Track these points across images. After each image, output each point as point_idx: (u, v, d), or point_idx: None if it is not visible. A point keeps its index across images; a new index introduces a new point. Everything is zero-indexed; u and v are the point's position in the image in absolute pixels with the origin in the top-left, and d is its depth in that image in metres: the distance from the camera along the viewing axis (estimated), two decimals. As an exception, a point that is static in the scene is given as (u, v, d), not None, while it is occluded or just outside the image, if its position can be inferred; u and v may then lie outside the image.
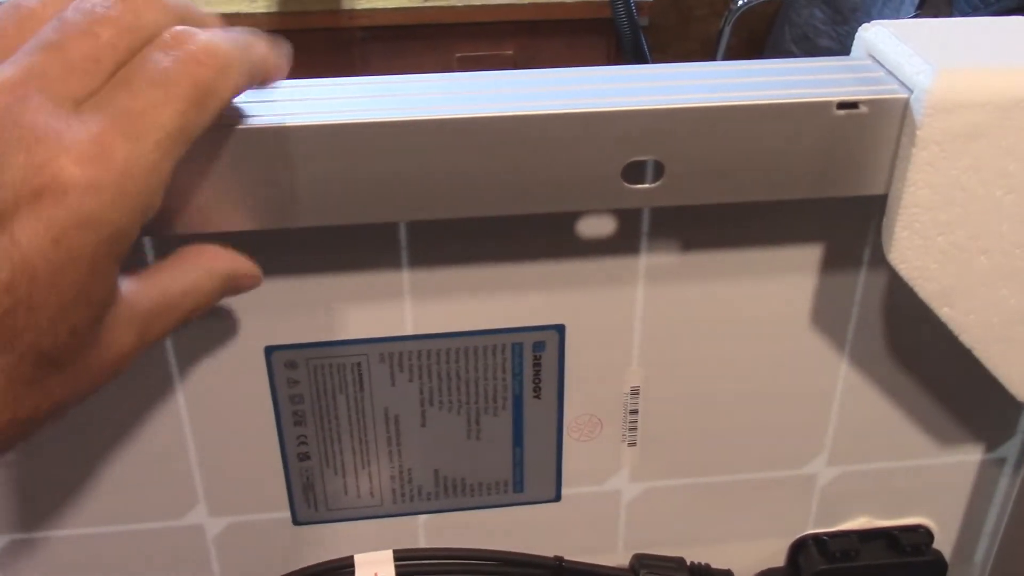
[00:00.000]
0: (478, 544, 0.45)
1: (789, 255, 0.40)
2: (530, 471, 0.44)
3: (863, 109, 0.34)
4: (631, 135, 0.33)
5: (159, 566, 0.44)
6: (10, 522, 0.42)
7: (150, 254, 0.36)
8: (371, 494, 0.43)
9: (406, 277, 0.38)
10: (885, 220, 0.36)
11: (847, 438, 0.45)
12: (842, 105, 0.34)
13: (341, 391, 0.40)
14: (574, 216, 0.38)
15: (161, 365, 0.39)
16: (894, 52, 0.35)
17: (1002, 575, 0.48)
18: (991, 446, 0.46)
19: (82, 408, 0.39)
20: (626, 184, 0.34)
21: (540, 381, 0.41)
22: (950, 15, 1.39)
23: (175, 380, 0.39)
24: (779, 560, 0.48)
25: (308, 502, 0.43)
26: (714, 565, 0.47)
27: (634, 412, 0.43)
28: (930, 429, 0.45)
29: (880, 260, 0.40)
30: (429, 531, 0.45)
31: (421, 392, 0.41)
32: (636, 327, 0.41)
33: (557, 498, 0.45)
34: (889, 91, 0.34)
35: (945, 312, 0.37)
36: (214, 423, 0.40)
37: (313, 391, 0.40)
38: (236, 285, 0.34)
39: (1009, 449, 0.46)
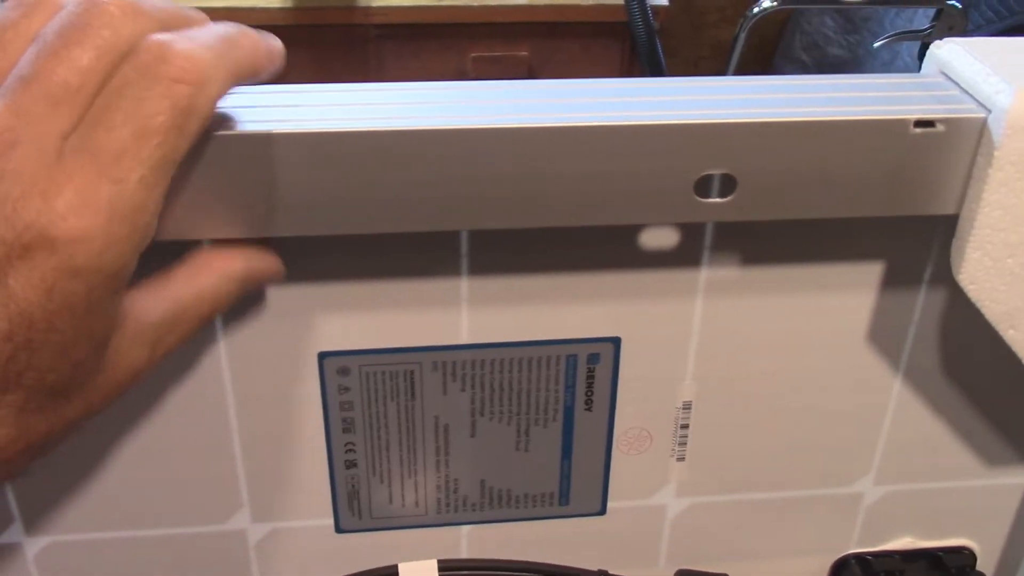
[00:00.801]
0: (520, 556, 0.44)
1: (850, 272, 0.39)
2: (577, 484, 0.43)
3: (940, 128, 0.33)
4: (706, 148, 0.33)
5: (199, 571, 0.43)
6: (51, 524, 0.41)
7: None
8: (416, 503, 0.43)
9: (464, 285, 0.38)
10: (955, 240, 0.36)
11: (895, 457, 0.44)
12: (919, 123, 0.33)
13: (392, 399, 0.40)
14: (638, 228, 0.37)
15: (213, 367, 0.38)
16: (969, 70, 0.35)
17: (1042, 598, 0.48)
18: (1039, 468, 0.46)
19: (130, 409, 0.38)
20: (698, 198, 0.34)
21: (592, 393, 0.41)
22: (966, 26, 1.39)
23: (226, 383, 0.39)
24: (820, 578, 0.48)
25: (352, 510, 0.42)
26: (756, 582, 0.46)
27: (685, 427, 0.42)
28: (977, 450, 0.45)
29: (940, 279, 0.40)
30: (472, 542, 0.44)
31: (472, 402, 0.40)
32: (692, 341, 0.40)
33: (602, 511, 0.44)
34: (966, 110, 0.34)
35: (1011, 334, 0.37)
36: (262, 427, 0.40)
37: (364, 398, 0.40)
38: (256, 283, 0.34)
39: (1056, 472, 0.46)
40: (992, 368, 0.42)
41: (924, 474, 0.45)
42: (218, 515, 0.42)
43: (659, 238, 0.38)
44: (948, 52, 0.36)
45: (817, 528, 0.46)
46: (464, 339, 0.39)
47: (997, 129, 0.33)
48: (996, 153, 0.33)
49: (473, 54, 1.58)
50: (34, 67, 0.27)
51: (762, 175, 0.33)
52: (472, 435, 0.41)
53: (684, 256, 0.38)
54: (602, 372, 0.40)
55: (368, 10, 1.55)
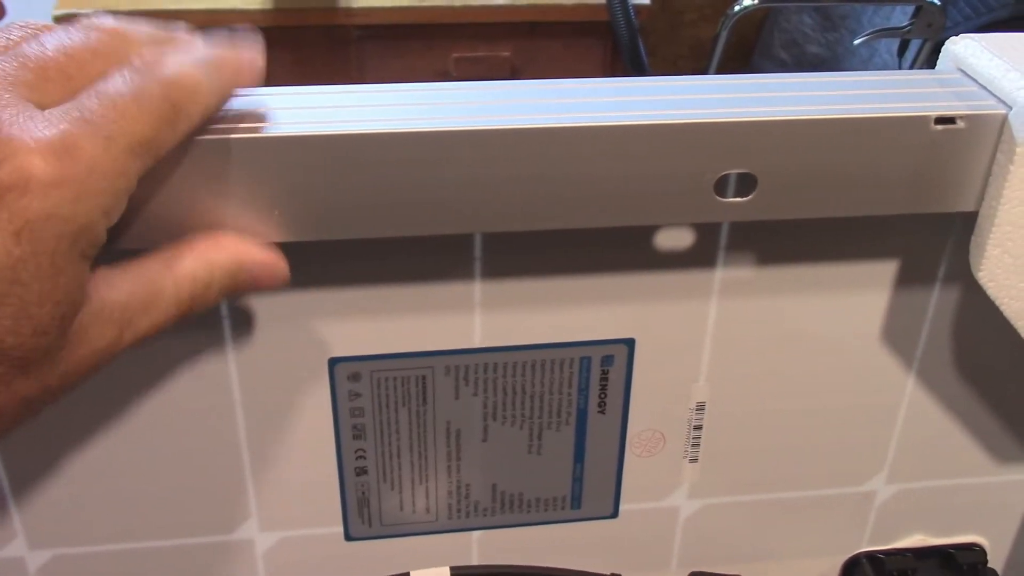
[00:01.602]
0: (531, 560, 0.44)
1: (864, 271, 0.39)
2: (589, 487, 0.43)
3: (960, 124, 0.33)
4: (725, 147, 0.32)
5: (206, 583, 0.42)
6: (55, 537, 0.40)
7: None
8: (427, 510, 0.42)
9: (478, 288, 0.37)
10: (975, 238, 0.35)
11: (908, 456, 0.44)
12: (940, 120, 0.33)
13: (404, 404, 0.39)
14: (653, 229, 0.37)
15: (221, 373, 0.37)
16: (988, 66, 0.35)
17: (1051, 594, 0.48)
18: (1049, 465, 0.45)
19: (136, 418, 0.37)
20: (717, 197, 0.33)
21: (606, 396, 0.40)
22: (944, 23, 1.39)
23: (234, 389, 0.38)
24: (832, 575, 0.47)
25: (362, 518, 0.42)
26: (769, 583, 0.46)
27: (698, 428, 0.42)
28: (989, 447, 0.45)
29: (954, 277, 0.39)
30: (483, 547, 0.44)
31: (485, 406, 0.40)
32: (707, 342, 0.40)
33: (614, 514, 0.44)
34: (987, 107, 0.33)
35: (1028, 331, 0.36)
36: (271, 435, 0.39)
37: (375, 404, 0.39)
38: (250, 280, 0.32)
39: (1066, 468, 0.46)
40: (1005, 365, 0.42)
41: (936, 472, 0.45)
42: (225, 525, 0.41)
43: (674, 239, 0.37)
44: (964, 48, 0.36)
45: (829, 527, 0.46)
46: (477, 343, 0.38)
47: (1019, 125, 0.33)
48: (1018, 150, 0.33)
49: (455, 55, 1.57)
50: (29, 50, 0.28)
51: (782, 174, 0.33)
52: (484, 440, 0.41)
53: (699, 257, 0.38)
54: (615, 374, 0.40)
55: (349, 11, 1.54)
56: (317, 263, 0.36)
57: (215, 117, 0.30)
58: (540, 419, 0.40)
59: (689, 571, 0.45)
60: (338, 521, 0.42)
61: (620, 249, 0.37)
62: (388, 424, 0.40)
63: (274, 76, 0.32)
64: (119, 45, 0.29)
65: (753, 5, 1.54)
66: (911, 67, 1.37)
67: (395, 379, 0.39)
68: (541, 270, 0.37)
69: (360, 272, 0.36)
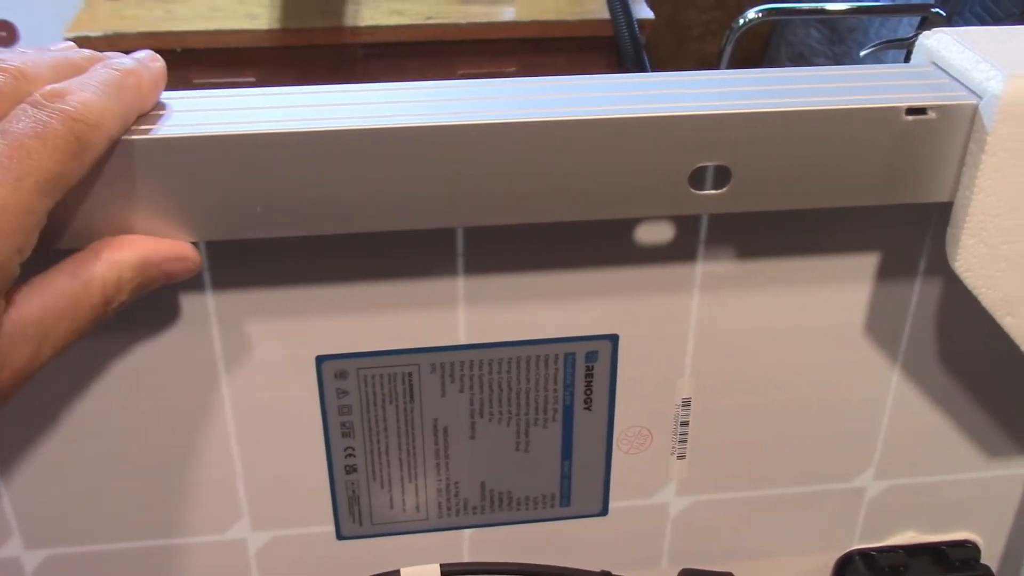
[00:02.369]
0: (523, 559, 0.44)
1: (845, 264, 0.39)
2: (578, 484, 0.43)
3: (932, 115, 0.34)
4: (699, 140, 0.33)
5: (199, 582, 0.43)
6: (50, 537, 0.41)
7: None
8: (417, 508, 0.43)
9: (461, 284, 0.38)
10: (950, 228, 0.36)
11: (896, 451, 0.44)
12: (911, 111, 0.33)
13: (391, 402, 0.40)
14: (633, 223, 0.37)
15: (210, 373, 0.38)
16: (959, 58, 0.35)
17: (1046, 590, 0.48)
18: (1039, 459, 0.45)
19: (127, 420, 0.38)
20: (692, 190, 0.34)
21: (591, 392, 0.41)
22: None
23: (223, 389, 0.38)
24: (825, 575, 0.47)
25: (353, 516, 0.42)
26: (760, 580, 0.46)
27: (684, 424, 0.42)
28: (978, 442, 0.45)
29: (935, 270, 0.40)
30: (473, 545, 0.44)
31: (471, 403, 0.40)
32: (690, 337, 0.40)
33: (604, 512, 0.44)
34: (958, 97, 0.34)
35: (1007, 321, 0.37)
36: (261, 434, 0.40)
37: (362, 402, 0.39)
38: (160, 271, 0.33)
39: (1057, 462, 0.46)
40: (990, 358, 0.42)
41: (925, 467, 0.45)
42: (218, 525, 0.41)
43: (654, 233, 0.38)
44: (937, 42, 0.37)
45: (820, 524, 0.46)
46: (462, 339, 0.39)
47: (989, 115, 0.33)
48: (989, 139, 0.33)
49: (460, 71, 1.58)
50: None
51: (756, 166, 0.34)
52: (472, 437, 0.41)
53: (679, 251, 0.38)
54: (600, 370, 0.40)
55: (355, 30, 1.55)
56: (304, 260, 0.36)
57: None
58: (527, 416, 0.41)
59: (679, 568, 0.46)
60: (329, 520, 0.42)
61: (601, 245, 0.38)
62: (376, 422, 0.40)
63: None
64: (21, 84, 0.30)
65: (757, 19, 1.55)
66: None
67: (382, 376, 0.39)
68: (524, 266, 0.38)
69: (346, 270, 0.37)
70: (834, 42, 2.06)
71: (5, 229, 0.27)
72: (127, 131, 0.31)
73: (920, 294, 0.40)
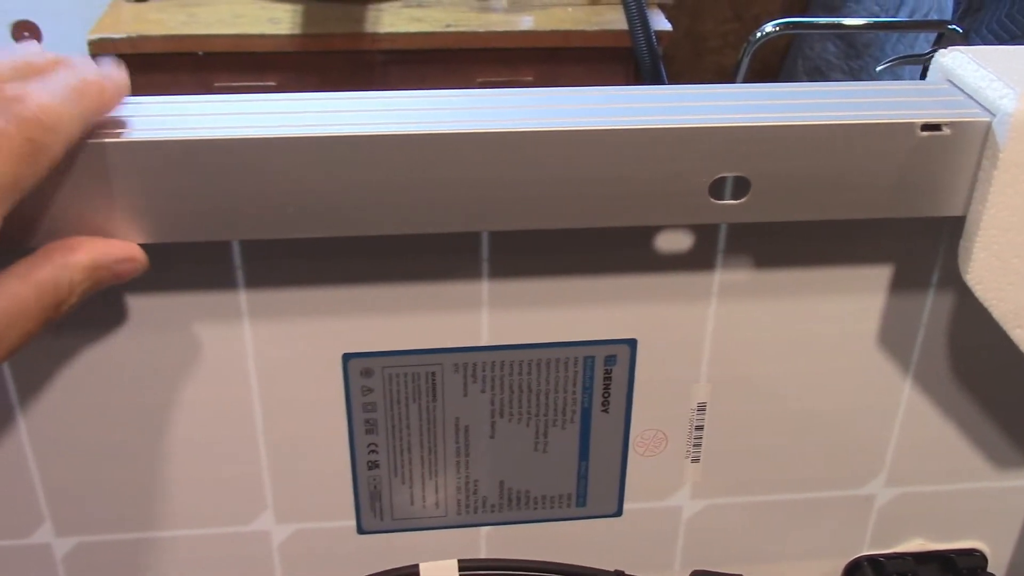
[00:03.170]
0: (538, 557, 0.45)
1: (859, 275, 0.40)
2: (594, 485, 0.44)
3: (946, 131, 0.35)
4: (720, 151, 0.34)
5: (223, 572, 0.44)
6: (80, 525, 0.42)
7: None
8: (436, 505, 0.44)
9: (486, 287, 0.39)
10: (963, 241, 0.37)
11: (906, 459, 0.45)
12: (926, 127, 0.34)
13: (414, 400, 0.41)
14: (653, 232, 0.38)
15: (239, 368, 0.39)
16: (974, 77, 0.36)
17: (1052, 601, 0.49)
18: (1047, 470, 0.46)
19: (157, 411, 0.39)
20: (712, 200, 0.35)
21: (609, 395, 0.42)
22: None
23: (252, 383, 0.40)
24: (833, 580, 0.48)
25: (374, 511, 0.43)
26: (770, 583, 0.47)
27: (699, 428, 0.43)
28: (987, 452, 0.45)
29: (948, 282, 0.41)
30: (491, 543, 0.45)
31: (492, 403, 0.41)
32: (706, 343, 0.41)
33: (619, 513, 0.45)
34: (971, 114, 0.35)
35: (1018, 333, 0.38)
36: (287, 429, 0.41)
37: (387, 400, 0.41)
38: (110, 273, 0.33)
39: (1064, 474, 0.46)
40: (1000, 370, 0.43)
41: (935, 476, 0.46)
42: (243, 516, 0.43)
43: (674, 241, 0.39)
44: (952, 60, 0.38)
45: (830, 530, 0.47)
46: (485, 341, 0.40)
47: (1002, 132, 0.34)
48: (1001, 155, 0.34)
49: (479, 79, 1.60)
50: None
51: (775, 177, 0.35)
52: (492, 436, 0.42)
53: (698, 260, 0.39)
54: (619, 373, 0.41)
55: (375, 36, 1.57)
56: (333, 261, 0.37)
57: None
58: (546, 417, 0.42)
59: (691, 570, 0.46)
60: (351, 514, 0.43)
61: (622, 251, 0.39)
62: (399, 419, 0.41)
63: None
64: None
65: (775, 32, 1.56)
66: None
67: (406, 375, 0.40)
68: (546, 271, 0.39)
69: (375, 271, 0.38)
70: (851, 57, 2.06)
71: None
72: (86, 136, 0.31)
73: (932, 306, 0.41)
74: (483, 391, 0.41)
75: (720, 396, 0.43)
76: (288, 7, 1.62)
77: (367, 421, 0.41)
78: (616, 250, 0.39)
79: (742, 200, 0.35)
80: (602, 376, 0.41)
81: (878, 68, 1.46)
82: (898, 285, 0.41)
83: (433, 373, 0.40)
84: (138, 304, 0.38)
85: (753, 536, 0.46)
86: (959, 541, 0.48)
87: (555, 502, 0.44)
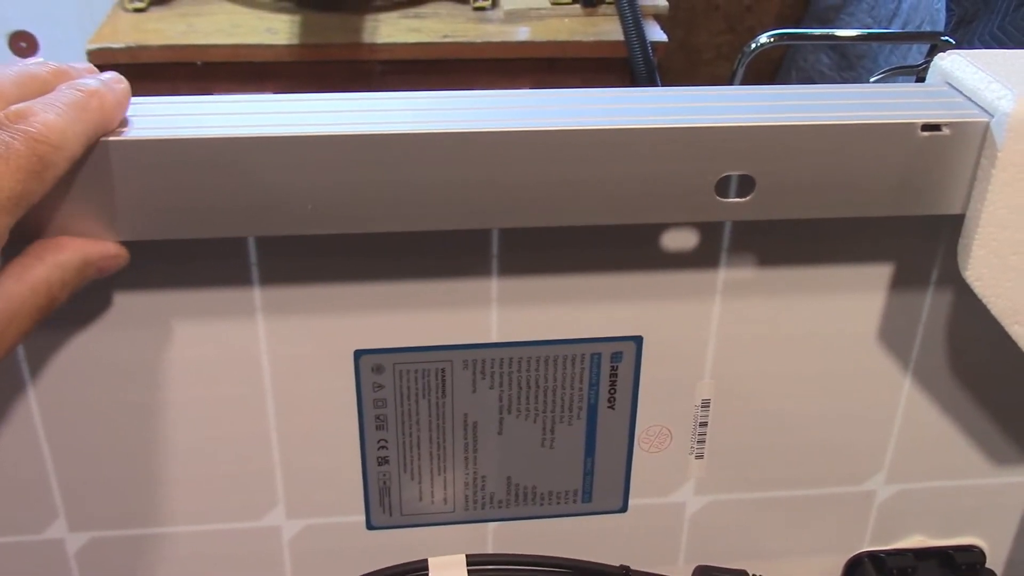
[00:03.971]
0: (545, 552, 0.46)
1: (860, 273, 0.41)
2: (599, 481, 0.45)
3: (946, 131, 0.35)
4: (726, 150, 0.35)
5: (234, 568, 0.44)
6: (93, 520, 0.42)
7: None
8: (444, 500, 0.44)
9: (495, 285, 0.39)
10: (962, 239, 0.37)
11: (906, 456, 0.46)
12: (926, 127, 0.35)
13: (424, 396, 0.42)
14: (659, 230, 0.39)
15: (253, 364, 0.40)
16: (972, 79, 0.37)
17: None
18: (1044, 467, 0.47)
19: (172, 403, 0.40)
20: (718, 198, 0.36)
21: (615, 391, 0.43)
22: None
23: (265, 380, 0.40)
24: (834, 576, 0.49)
25: (383, 507, 0.44)
26: (773, 579, 0.48)
27: (703, 424, 0.44)
28: (986, 449, 0.46)
29: (947, 281, 0.42)
30: (498, 538, 0.46)
31: (500, 399, 0.42)
32: (711, 341, 0.42)
33: (624, 509, 0.46)
34: (970, 115, 0.36)
35: (1016, 330, 0.38)
36: (299, 425, 0.41)
37: (397, 396, 0.41)
38: (97, 269, 0.34)
39: (1061, 471, 0.47)
40: (999, 367, 0.44)
41: (934, 472, 0.47)
42: (254, 512, 0.43)
43: (679, 240, 0.40)
44: (951, 63, 0.39)
45: (831, 526, 0.48)
46: (494, 338, 0.41)
47: (1000, 132, 0.35)
48: (999, 155, 0.35)
49: (476, 88, 1.61)
50: None
51: (779, 176, 0.35)
52: (500, 432, 0.43)
53: (703, 258, 0.40)
54: (624, 370, 0.42)
55: (373, 46, 1.58)
56: (345, 257, 0.38)
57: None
58: (553, 413, 0.43)
59: (695, 566, 0.47)
60: (360, 510, 0.44)
61: (628, 250, 0.40)
62: (409, 415, 0.42)
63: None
64: None
65: (769, 43, 1.57)
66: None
67: (416, 371, 0.41)
68: (555, 268, 0.40)
69: (387, 268, 0.39)
70: (844, 68, 2.08)
71: None
72: (86, 150, 0.32)
73: (932, 304, 0.42)
74: (491, 388, 0.42)
75: (724, 393, 0.43)
76: (286, 17, 1.63)
77: (377, 417, 0.42)
78: (623, 248, 0.40)
79: (747, 198, 0.36)
80: (608, 373, 0.42)
81: (872, 79, 1.47)
82: (898, 283, 0.42)
83: (443, 369, 0.41)
84: (150, 300, 0.38)
85: (756, 532, 0.47)
86: (958, 537, 0.49)
87: (561, 498, 0.45)
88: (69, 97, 0.32)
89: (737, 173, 0.35)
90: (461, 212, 0.35)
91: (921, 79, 1.48)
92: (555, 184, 0.35)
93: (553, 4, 1.69)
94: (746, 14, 2.17)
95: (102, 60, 1.52)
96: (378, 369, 0.41)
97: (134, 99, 0.34)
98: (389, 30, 1.62)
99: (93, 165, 0.33)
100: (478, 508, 0.45)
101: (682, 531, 0.47)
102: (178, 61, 1.55)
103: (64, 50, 1.75)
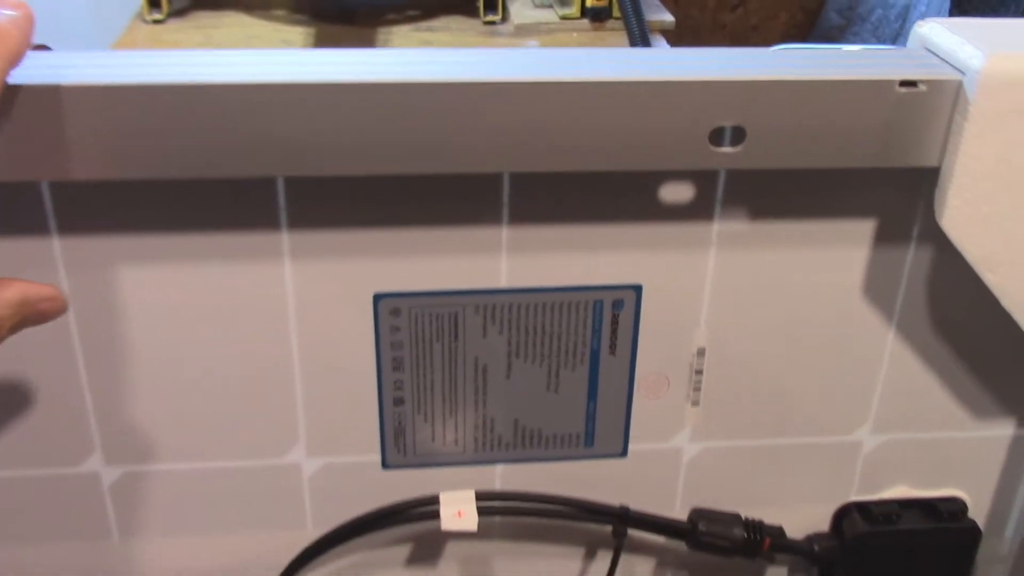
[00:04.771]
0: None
1: (846, 228, 0.44)
2: (601, 426, 0.48)
3: (922, 88, 0.39)
4: (719, 102, 0.38)
5: (257, 502, 0.47)
6: (128, 454, 0.45)
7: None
8: (455, 442, 0.47)
9: (505, 233, 0.43)
10: (938, 190, 0.41)
11: (891, 407, 0.49)
12: (904, 83, 0.38)
13: (438, 340, 0.45)
14: (658, 181, 0.42)
15: (279, 306, 0.43)
16: (947, 42, 0.40)
17: (1029, 550, 0.52)
18: (1022, 421, 0.50)
19: (204, 343, 0.43)
20: (712, 147, 0.39)
21: (616, 338, 0.46)
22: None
23: (291, 321, 0.43)
24: (824, 525, 0.52)
25: (398, 447, 0.47)
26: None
27: (699, 373, 0.47)
28: (968, 402, 0.49)
29: (928, 236, 0.45)
30: (505, 480, 0.48)
31: (509, 344, 0.45)
32: (706, 290, 0.45)
33: (624, 453, 0.48)
34: (945, 73, 0.39)
35: (989, 277, 0.41)
36: (321, 366, 0.44)
37: (412, 338, 0.44)
38: (35, 311, 0.36)
39: (1039, 425, 0.50)
40: (980, 321, 0.47)
41: (918, 424, 0.49)
42: (277, 449, 0.46)
43: (677, 192, 0.43)
44: (928, 29, 0.42)
45: (821, 476, 0.50)
46: (503, 284, 0.44)
47: (971, 88, 0.38)
48: (971, 109, 0.38)
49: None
50: None
51: (769, 127, 0.39)
52: (508, 376, 0.46)
53: (699, 210, 0.43)
54: (625, 318, 0.45)
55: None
56: (371, 203, 0.41)
57: None
58: (558, 358, 0.46)
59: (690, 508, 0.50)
60: (376, 449, 0.47)
61: (629, 201, 0.43)
62: (423, 357, 0.45)
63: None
64: None
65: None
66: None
67: (431, 315, 0.44)
68: (561, 218, 0.43)
69: (406, 214, 0.42)
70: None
71: None
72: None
73: (914, 258, 0.45)
74: (500, 332, 0.45)
75: (718, 342, 0.46)
76: (301, 30, 1.67)
77: (394, 359, 0.45)
78: (624, 199, 0.43)
79: (739, 148, 0.39)
80: (610, 320, 0.45)
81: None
82: (882, 238, 0.45)
83: (455, 314, 0.44)
84: (182, 242, 0.41)
85: (749, 479, 0.50)
86: (941, 488, 0.51)
87: (565, 441, 0.48)
88: None
89: (729, 124, 0.38)
90: (475, 157, 0.38)
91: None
92: (561, 132, 0.38)
93: (562, 19, 1.73)
94: (752, 33, 2.21)
95: (122, 68, 1.56)
96: (396, 312, 0.44)
97: (159, 51, 0.37)
98: (401, 42, 1.66)
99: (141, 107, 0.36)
100: (487, 450, 0.47)
101: (679, 477, 0.49)
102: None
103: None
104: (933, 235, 0.44)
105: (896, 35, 2.05)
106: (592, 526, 0.50)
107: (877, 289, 0.46)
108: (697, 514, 0.49)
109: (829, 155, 0.39)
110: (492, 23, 1.45)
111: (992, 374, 0.48)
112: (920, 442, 0.50)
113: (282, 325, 0.44)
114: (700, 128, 0.38)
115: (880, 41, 2.07)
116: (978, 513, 0.52)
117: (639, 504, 0.49)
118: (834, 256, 0.45)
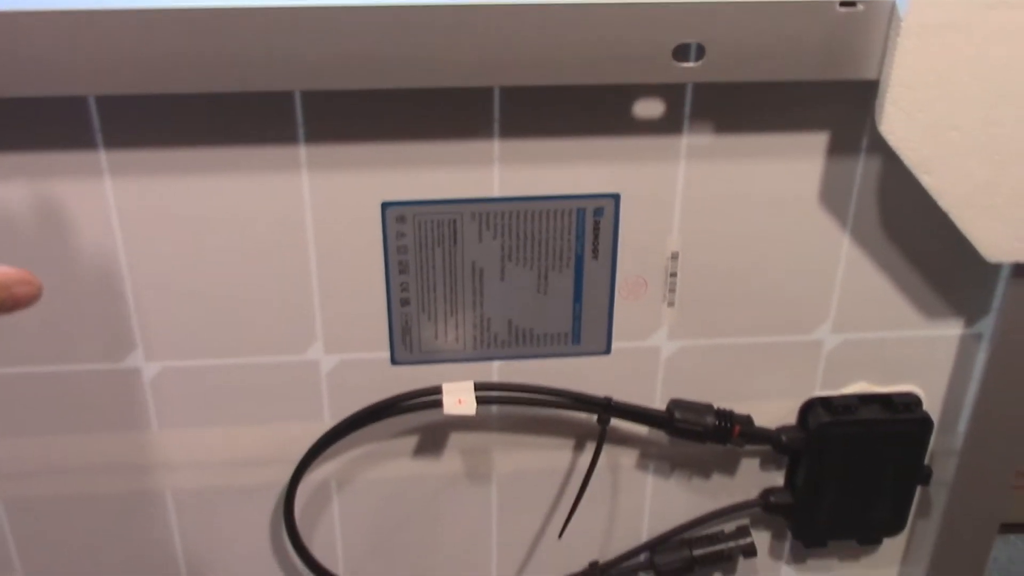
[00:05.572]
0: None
1: (800, 140, 0.50)
2: (586, 325, 0.53)
3: (860, 7, 0.44)
4: (681, 22, 0.43)
5: (279, 396, 0.53)
6: (165, 350, 0.51)
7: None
8: (456, 340, 0.53)
9: (496, 146, 0.48)
10: (877, 100, 0.46)
11: (848, 308, 0.54)
12: (843, 3, 0.44)
13: (439, 244, 0.50)
14: (632, 97, 0.48)
15: (298, 214, 0.49)
16: (885, -32, 0.45)
17: (979, 444, 0.57)
18: (970, 321, 0.55)
19: (230, 254, 0.48)
20: (676, 62, 0.44)
21: (598, 243, 0.51)
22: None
23: (308, 229, 0.49)
24: (792, 420, 0.57)
25: (405, 344, 0.53)
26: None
27: (673, 275, 0.52)
28: (920, 303, 0.54)
29: (876, 148, 0.50)
30: (502, 375, 0.54)
31: (502, 248, 0.51)
32: (677, 199, 0.50)
33: (607, 351, 0.54)
34: (880, -6, 0.44)
35: (926, 179, 0.47)
36: (335, 270, 0.50)
37: (416, 243, 0.50)
38: (10, 295, 0.35)
39: (985, 325, 0.55)
40: (925, 225, 0.52)
41: (874, 323, 0.55)
42: (298, 346, 0.52)
43: (649, 108, 0.48)
44: (870, -41, 0.47)
45: (787, 374, 0.56)
46: (496, 193, 0.49)
47: (903, 7, 0.43)
48: (903, 25, 0.44)
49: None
50: None
51: (725, 44, 0.44)
52: (502, 279, 0.51)
53: (669, 124, 0.48)
54: (605, 224, 0.51)
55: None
56: (379, 118, 0.47)
57: None
58: (547, 262, 0.51)
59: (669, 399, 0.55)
60: (386, 347, 0.53)
61: (607, 117, 0.48)
62: (426, 261, 0.50)
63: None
64: None
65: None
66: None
67: (433, 222, 0.50)
68: (546, 132, 0.48)
69: (410, 127, 0.47)
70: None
71: None
72: None
73: (864, 167, 0.50)
74: (495, 238, 0.50)
75: (690, 247, 0.52)
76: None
77: (400, 262, 0.50)
78: (602, 115, 0.48)
79: (700, 63, 0.44)
80: (592, 227, 0.51)
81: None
82: (834, 149, 0.50)
83: (454, 220, 0.50)
84: (213, 156, 0.47)
85: (722, 377, 0.55)
86: (897, 385, 0.57)
87: (554, 340, 0.53)
88: None
89: (691, 41, 0.44)
90: (468, 72, 0.44)
91: None
92: (543, 50, 0.43)
93: None
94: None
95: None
96: (401, 219, 0.49)
97: None
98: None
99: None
100: (484, 347, 0.53)
101: (658, 373, 0.55)
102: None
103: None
104: (880, 146, 0.49)
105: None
106: (580, 417, 0.55)
107: (832, 197, 0.51)
108: (674, 404, 0.55)
109: (779, 69, 0.45)
110: None
111: (941, 276, 0.54)
112: (877, 341, 0.55)
113: (300, 233, 0.49)
114: (665, 45, 0.44)
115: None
116: (932, 406, 0.57)
117: (622, 397, 0.54)
118: (792, 167, 0.50)
